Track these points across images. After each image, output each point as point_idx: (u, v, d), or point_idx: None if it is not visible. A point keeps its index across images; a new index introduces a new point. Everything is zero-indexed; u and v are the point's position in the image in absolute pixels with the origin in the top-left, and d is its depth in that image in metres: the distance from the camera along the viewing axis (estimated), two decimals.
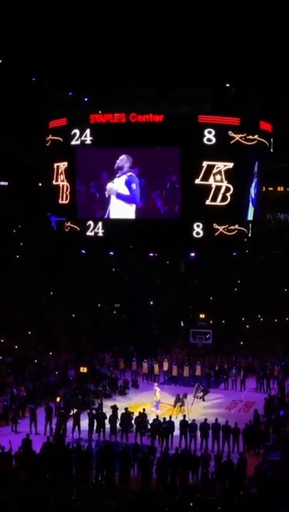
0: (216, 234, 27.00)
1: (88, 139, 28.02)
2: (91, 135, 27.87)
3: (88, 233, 28.34)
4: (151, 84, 29.01)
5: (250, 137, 26.97)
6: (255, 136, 27.08)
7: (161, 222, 27.58)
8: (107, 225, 28.13)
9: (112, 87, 29.79)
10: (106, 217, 27.85)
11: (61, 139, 29.06)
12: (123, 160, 27.22)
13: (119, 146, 27.50)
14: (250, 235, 28.27)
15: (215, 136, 26.42)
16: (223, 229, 27.01)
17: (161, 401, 31.34)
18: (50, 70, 32.57)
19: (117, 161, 27.29)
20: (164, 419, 27.04)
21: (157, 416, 27.50)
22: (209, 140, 26.51)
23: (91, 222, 28.31)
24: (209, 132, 26.42)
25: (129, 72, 30.02)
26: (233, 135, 26.70)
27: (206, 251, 28.97)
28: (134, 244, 28.84)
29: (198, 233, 26.93)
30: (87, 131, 27.91)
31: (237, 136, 26.70)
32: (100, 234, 28.16)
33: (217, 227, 26.97)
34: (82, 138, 28.15)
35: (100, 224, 28.12)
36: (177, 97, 27.60)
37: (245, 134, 26.80)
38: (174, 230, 27.30)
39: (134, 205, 27.32)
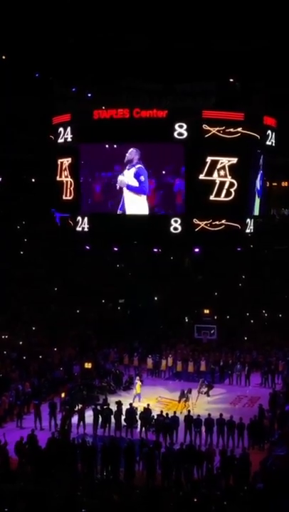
0: (197, 229, 26.86)
1: (69, 137, 28.22)
2: (72, 133, 28.09)
3: (78, 228, 28.61)
4: (156, 78, 28.98)
5: (232, 130, 26.46)
6: (239, 129, 26.57)
7: (148, 218, 27.73)
8: (91, 219, 28.38)
9: (116, 81, 29.79)
10: (121, 211, 28.03)
11: (53, 137, 29.26)
12: (132, 153, 27.39)
13: (122, 143, 27.59)
14: (248, 230, 27.92)
15: (186, 130, 26.25)
16: (206, 224, 26.82)
17: (166, 396, 31.36)
18: (53, 66, 32.56)
19: (127, 155, 27.46)
20: (169, 414, 27.03)
21: (162, 411, 27.49)
22: (180, 134, 26.34)
23: (80, 218, 28.54)
24: (180, 126, 26.24)
25: (134, 66, 29.99)
26: (208, 128, 26.32)
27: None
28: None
29: (176, 228, 26.90)
30: (68, 129, 28.12)
31: (213, 130, 26.27)
32: (86, 229, 28.39)
33: (198, 222, 26.82)
34: (65, 136, 28.37)
35: (85, 219, 28.36)
36: (182, 92, 27.54)
37: (224, 127, 26.31)
38: (157, 225, 27.43)
39: (144, 197, 27.50)
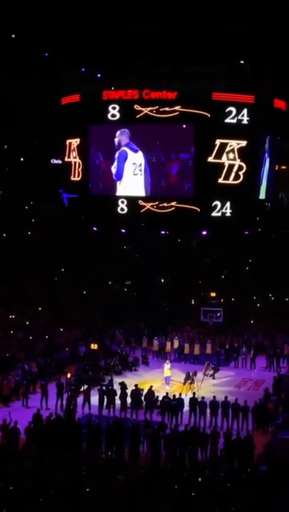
0: (142, 211, 26.89)
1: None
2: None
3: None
4: (166, 60, 28.71)
5: (167, 109, 26.30)
6: (176, 108, 26.27)
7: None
8: (87, 202, 28.64)
9: (125, 63, 29.56)
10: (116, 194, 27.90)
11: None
12: (119, 135, 27.24)
13: (132, 124, 27.39)
14: (217, 213, 27.23)
15: (119, 111, 26.26)
16: (152, 206, 26.78)
17: (172, 378, 31.50)
18: (63, 45, 32.31)
19: (116, 138, 27.32)
20: (174, 396, 27.15)
21: (167, 393, 27.61)
22: (113, 116, 26.35)
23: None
24: (114, 108, 26.20)
25: (143, 49, 29.71)
26: (140, 108, 26.24)
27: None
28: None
29: (122, 209, 26.97)
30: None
31: (146, 110, 26.16)
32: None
33: (143, 203, 26.83)
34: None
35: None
36: (191, 74, 27.30)
37: (157, 107, 26.20)
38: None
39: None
